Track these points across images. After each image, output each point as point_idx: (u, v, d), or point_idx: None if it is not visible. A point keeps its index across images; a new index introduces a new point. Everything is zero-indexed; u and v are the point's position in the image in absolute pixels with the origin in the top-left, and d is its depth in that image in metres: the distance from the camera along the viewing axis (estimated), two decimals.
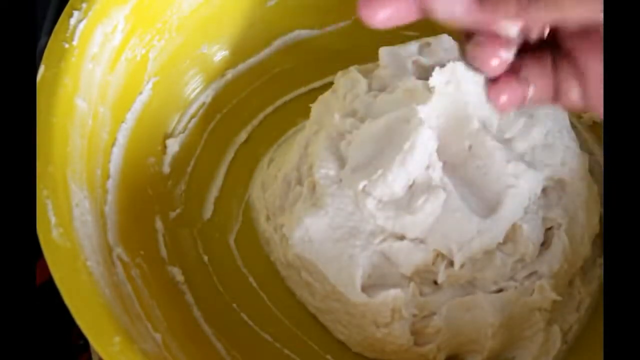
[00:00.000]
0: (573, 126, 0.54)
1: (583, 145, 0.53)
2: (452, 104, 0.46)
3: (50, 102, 0.43)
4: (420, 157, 0.44)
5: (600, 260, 0.50)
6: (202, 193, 0.53)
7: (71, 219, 0.41)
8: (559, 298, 0.45)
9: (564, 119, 0.50)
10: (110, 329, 0.38)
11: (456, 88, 0.46)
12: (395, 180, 0.44)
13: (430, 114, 0.46)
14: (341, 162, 0.47)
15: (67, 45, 0.45)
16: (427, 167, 0.45)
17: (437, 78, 0.46)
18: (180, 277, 0.49)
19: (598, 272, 0.49)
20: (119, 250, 0.45)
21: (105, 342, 0.37)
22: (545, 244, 0.47)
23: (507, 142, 0.47)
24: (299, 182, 0.49)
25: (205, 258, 0.51)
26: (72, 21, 0.45)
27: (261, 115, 0.56)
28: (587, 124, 0.55)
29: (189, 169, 0.54)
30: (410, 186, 0.45)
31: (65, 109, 0.44)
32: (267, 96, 0.57)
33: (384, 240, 0.45)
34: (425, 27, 0.56)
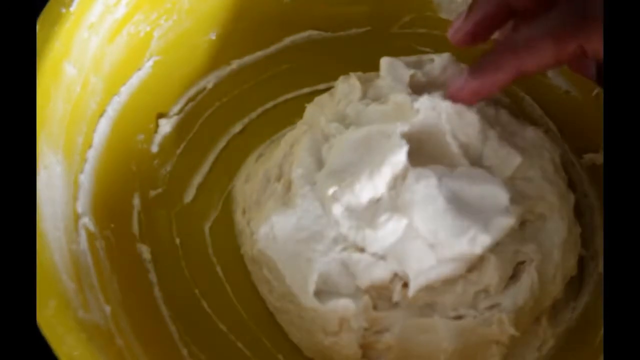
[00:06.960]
0: (572, 164, 0.53)
1: (578, 185, 0.52)
2: (434, 127, 0.46)
3: (37, 63, 0.43)
4: (387, 176, 0.44)
5: (574, 304, 0.48)
6: (187, 177, 0.53)
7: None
8: (516, 334, 0.44)
9: (552, 155, 0.48)
10: (48, 291, 0.38)
11: (439, 114, 0.46)
12: (362, 191, 0.43)
13: (412, 133, 0.45)
14: (320, 164, 0.47)
15: (64, 10, 0.45)
16: (392, 188, 0.44)
17: (424, 103, 0.46)
18: (147, 256, 0.49)
19: (569, 315, 0.48)
20: (86, 219, 0.45)
21: (41, 304, 0.37)
22: (513, 278, 0.45)
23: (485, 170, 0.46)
24: (278, 179, 0.49)
25: (177, 241, 0.50)
26: None
27: (260, 110, 0.56)
28: (586, 165, 0.53)
29: (178, 151, 0.54)
30: (378, 200, 0.44)
31: (51, 72, 0.44)
32: (269, 91, 0.57)
33: (345, 249, 0.44)
34: (440, 44, 0.56)
